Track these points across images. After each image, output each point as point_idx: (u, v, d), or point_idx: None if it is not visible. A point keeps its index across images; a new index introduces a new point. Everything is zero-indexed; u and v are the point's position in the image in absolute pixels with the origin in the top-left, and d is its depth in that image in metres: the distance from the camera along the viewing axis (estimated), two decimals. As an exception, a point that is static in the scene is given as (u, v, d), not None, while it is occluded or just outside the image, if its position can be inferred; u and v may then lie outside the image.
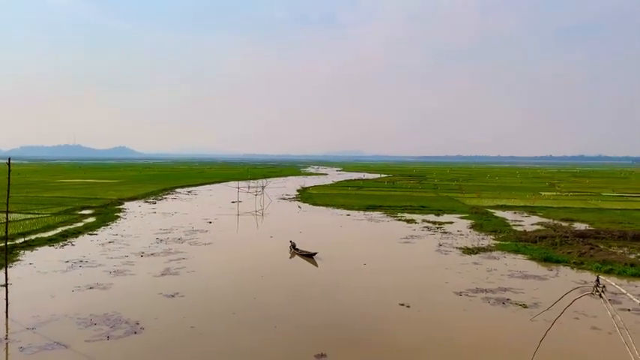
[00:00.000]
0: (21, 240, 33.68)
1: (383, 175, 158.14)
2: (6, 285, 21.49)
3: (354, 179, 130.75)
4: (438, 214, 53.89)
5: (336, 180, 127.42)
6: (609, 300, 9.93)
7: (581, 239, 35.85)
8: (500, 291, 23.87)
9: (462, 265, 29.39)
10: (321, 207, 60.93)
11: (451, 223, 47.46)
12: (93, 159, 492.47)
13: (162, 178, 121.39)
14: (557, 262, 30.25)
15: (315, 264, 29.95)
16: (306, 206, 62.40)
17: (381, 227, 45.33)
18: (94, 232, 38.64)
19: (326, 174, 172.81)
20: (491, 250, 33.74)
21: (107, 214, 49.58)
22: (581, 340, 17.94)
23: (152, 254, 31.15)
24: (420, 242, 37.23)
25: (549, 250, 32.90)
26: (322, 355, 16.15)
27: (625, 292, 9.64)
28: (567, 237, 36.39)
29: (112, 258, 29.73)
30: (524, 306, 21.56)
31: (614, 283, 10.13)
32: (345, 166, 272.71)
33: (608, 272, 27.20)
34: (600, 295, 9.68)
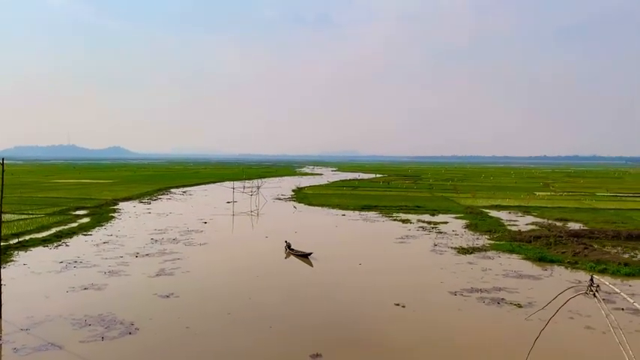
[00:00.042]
0: (15, 240, 33.49)
1: (378, 175, 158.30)
2: (-1, 286, 21.36)
3: (350, 179, 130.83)
4: (433, 214, 53.98)
5: (331, 180, 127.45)
6: (603, 299, 9.97)
7: (575, 239, 35.99)
8: (495, 291, 23.94)
9: (456, 265, 29.45)
10: (317, 207, 60.92)
11: (446, 223, 47.56)
12: (87, 159, 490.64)
13: (156, 178, 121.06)
14: (552, 261, 30.36)
15: (311, 264, 29.94)
16: (301, 206, 62.38)
17: (377, 227, 45.37)
18: (89, 233, 38.49)
19: (321, 174, 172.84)
20: (486, 250, 33.83)
21: (102, 214, 49.41)
22: (576, 340, 18.01)
23: (147, 255, 31.06)
24: (415, 242, 37.28)
25: (544, 250, 33.02)
26: (317, 355, 16.15)
27: (619, 291, 9.68)
28: (561, 237, 36.53)
29: (106, 258, 29.62)
30: (519, 305, 21.63)
31: (608, 283, 10.17)
32: (341, 166, 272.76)
33: (602, 272, 27.33)
34: (594, 294, 9.71)
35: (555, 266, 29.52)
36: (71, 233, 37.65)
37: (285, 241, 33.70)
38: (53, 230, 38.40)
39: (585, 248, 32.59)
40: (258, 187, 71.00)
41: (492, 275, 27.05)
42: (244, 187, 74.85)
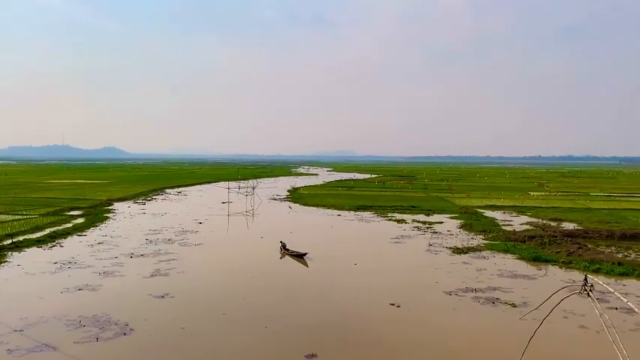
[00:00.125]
0: (9, 241, 33.31)
1: (373, 176, 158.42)
2: (-7, 287, 21.26)
3: (345, 179, 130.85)
4: (428, 214, 54.08)
5: (326, 180, 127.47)
6: (597, 299, 10.01)
7: (569, 239, 36.15)
8: (489, 290, 24.02)
9: (451, 265, 29.52)
10: (312, 207, 60.92)
11: (441, 223, 47.66)
12: (82, 159, 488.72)
13: (151, 178, 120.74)
14: (546, 261, 30.48)
15: (306, 264, 29.94)
16: (296, 206, 62.36)
17: (372, 227, 45.42)
18: (83, 233, 38.35)
19: (317, 174, 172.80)
20: (480, 250, 33.93)
21: (96, 214, 49.24)
22: (570, 339, 18.09)
23: (142, 255, 30.97)
24: (410, 242, 37.35)
25: (538, 250, 33.14)
26: (313, 356, 16.15)
27: (613, 290, 9.73)
28: (556, 236, 36.67)
29: (101, 259, 29.52)
30: (514, 305, 21.70)
31: (601, 282, 10.22)
32: (336, 167, 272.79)
33: (596, 271, 27.48)
34: (588, 294, 9.76)
35: (550, 266, 29.64)
36: (65, 234, 37.51)
37: (281, 242, 33.68)
38: (47, 231, 38.24)
39: (579, 248, 32.74)
40: (254, 188, 70.92)
41: (487, 275, 27.13)
42: (239, 188, 74.72)
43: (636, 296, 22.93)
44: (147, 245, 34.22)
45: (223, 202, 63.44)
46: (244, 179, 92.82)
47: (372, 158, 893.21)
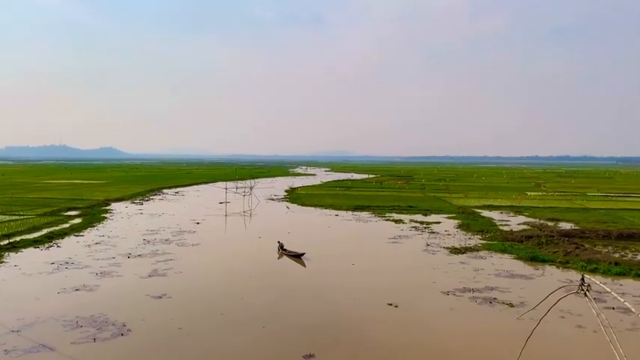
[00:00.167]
0: (5, 242, 33.22)
1: (371, 176, 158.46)
2: (-10, 287, 21.20)
3: (343, 179, 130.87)
4: (425, 214, 54.13)
5: (324, 180, 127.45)
6: (594, 299, 10.03)
7: (566, 239, 36.23)
8: (487, 290, 24.05)
9: (449, 265, 29.56)
10: (310, 207, 60.92)
11: (438, 223, 47.71)
12: (79, 159, 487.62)
13: (149, 178, 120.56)
14: (544, 261, 30.55)
15: (304, 264, 29.94)
16: (294, 207, 62.35)
17: (369, 227, 45.44)
18: (81, 234, 38.28)
19: (314, 174, 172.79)
20: (478, 250, 33.98)
21: (93, 215, 49.14)
22: (567, 339, 18.13)
23: (139, 255, 30.93)
24: (407, 242, 37.38)
25: (535, 250, 33.21)
26: (310, 356, 16.15)
27: (610, 290, 9.74)
28: (553, 236, 36.75)
29: (98, 259, 29.47)
30: (511, 305, 21.74)
31: (599, 282, 10.23)
32: (334, 167, 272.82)
33: (593, 271, 27.54)
34: (585, 293, 9.77)
35: (547, 266, 29.71)
36: (63, 234, 37.43)
37: (278, 242, 33.67)
38: (44, 231, 38.16)
39: (576, 248, 32.82)
40: (251, 188, 70.88)
41: (484, 275, 27.17)
42: (237, 188, 74.69)
43: (633, 296, 22.99)
44: (144, 245, 34.17)
45: (221, 203, 63.39)
46: (242, 179, 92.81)
47: (369, 158, 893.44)
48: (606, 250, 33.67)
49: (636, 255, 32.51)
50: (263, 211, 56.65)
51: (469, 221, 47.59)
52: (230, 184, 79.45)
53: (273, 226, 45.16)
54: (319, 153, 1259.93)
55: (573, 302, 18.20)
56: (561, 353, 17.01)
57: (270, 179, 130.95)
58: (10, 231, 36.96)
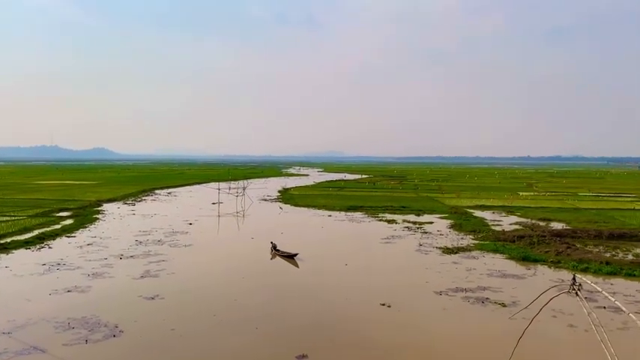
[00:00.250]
0: (-4, 243, 32.98)
1: (364, 176, 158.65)
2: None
3: (336, 180, 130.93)
4: (418, 215, 54.27)
5: (317, 181, 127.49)
6: (585, 298, 10.10)
7: (558, 238, 36.44)
8: (479, 290, 24.15)
9: (442, 265, 29.66)
10: (303, 208, 60.90)
11: (431, 223, 47.85)
12: (71, 160, 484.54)
13: (141, 179, 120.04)
14: (535, 261, 30.71)
15: (297, 265, 29.93)
16: (287, 207, 62.31)
17: (362, 228, 45.49)
18: (72, 235, 38.05)
19: (307, 175, 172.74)
20: (470, 250, 34.11)
21: (85, 215, 48.87)
22: (559, 338, 18.23)
23: (131, 256, 30.79)
24: (400, 242, 37.46)
25: (527, 250, 33.38)
26: (303, 356, 16.15)
27: (600, 290, 9.82)
28: (545, 236, 36.96)
29: (90, 260, 29.31)
30: (503, 305, 21.84)
31: (590, 282, 10.31)
32: (327, 167, 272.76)
33: (585, 270, 27.73)
34: (577, 293, 9.84)
35: (539, 265, 29.87)
36: (54, 235, 37.20)
37: (271, 242, 33.64)
38: (36, 232, 37.91)
39: (568, 247, 33.02)
40: (244, 188, 70.71)
41: (477, 275, 27.28)
42: (230, 188, 74.50)
43: (624, 295, 23.17)
44: (136, 246, 34.03)
45: (213, 203, 63.23)
46: (235, 180, 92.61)
47: (362, 159, 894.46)
48: (597, 250, 33.90)
49: (627, 254, 32.76)
50: (256, 212, 56.57)
51: (461, 221, 47.76)
52: (223, 184, 79.23)
53: (266, 227, 45.10)
54: (312, 153, 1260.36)
55: (565, 302, 18.31)
56: (553, 352, 17.11)
57: (263, 180, 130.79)
58: (1, 232, 36.69)
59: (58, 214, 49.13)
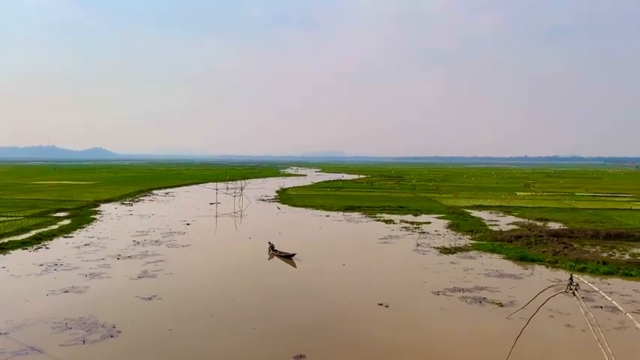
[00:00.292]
0: (-7, 243, 32.91)
1: (362, 176, 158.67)
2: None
3: (333, 180, 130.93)
4: (415, 215, 54.32)
5: (315, 181, 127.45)
6: (582, 298, 10.14)
7: (555, 238, 36.51)
8: (476, 290, 24.19)
9: (439, 265, 29.69)
10: (301, 208, 60.89)
11: (429, 223, 47.90)
12: (68, 160, 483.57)
13: (139, 179, 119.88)
14: (533, 260, 30.77)
15: (294, 265, 29.93)
16: (285, 207, 62.30)
17: (360, 228, 45.51)
18: (70, 235, 37.99)
19: (305, 175, 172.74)
20: (467, 250, 34.15)
21: (83, 216, 48.78)
22: (556, 338, 18.27)
23: (129, 257, 30.76)
24: (398, 242, 37.49)
25: (525, 250, 33.44)
26: (301, 357, 16.16)
27: (598, 289, 9.84)
28: (542, 236, 37.02)
29: (87, 261, 29.27)
30: (501, 305, 21.88)
31: (587, 281, 10.34)
32: (325, 167, 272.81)
33: (582, 270, 27.78)
34: (574, 293, 9.86)
35: (536, 265, 29.93)
36: (51, 235, 37.12)
37: (269, 242, 33.64)
38: (33, 232, 37.83)
39: (565, 247, 33.09)
40: (242, 188, 70.71)
41: (474, 275, 27.32)
42: (227, 188, 74.50)
43: (621, 295, 23.22)
44: (134, 247, 33.99)
45: (211, 203, 63.20)
46: (232, 180, 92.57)
47: (360, 159, 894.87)
48: (594, 250, 33.98)
49: (624, 254, 32.84)
50: (254, 212, 56.56)
51: (459, 221, 47.83)
52: (221, 184, 79.21)
53: (263, 227, 45.08)
54: (310, 153, 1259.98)
55: (562, 301, 18.38)
56: (550, 352, 17.15)
57: (261, 180, 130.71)
58: (-2, 232, 36.58)
59: (55, 215, 49.04)
